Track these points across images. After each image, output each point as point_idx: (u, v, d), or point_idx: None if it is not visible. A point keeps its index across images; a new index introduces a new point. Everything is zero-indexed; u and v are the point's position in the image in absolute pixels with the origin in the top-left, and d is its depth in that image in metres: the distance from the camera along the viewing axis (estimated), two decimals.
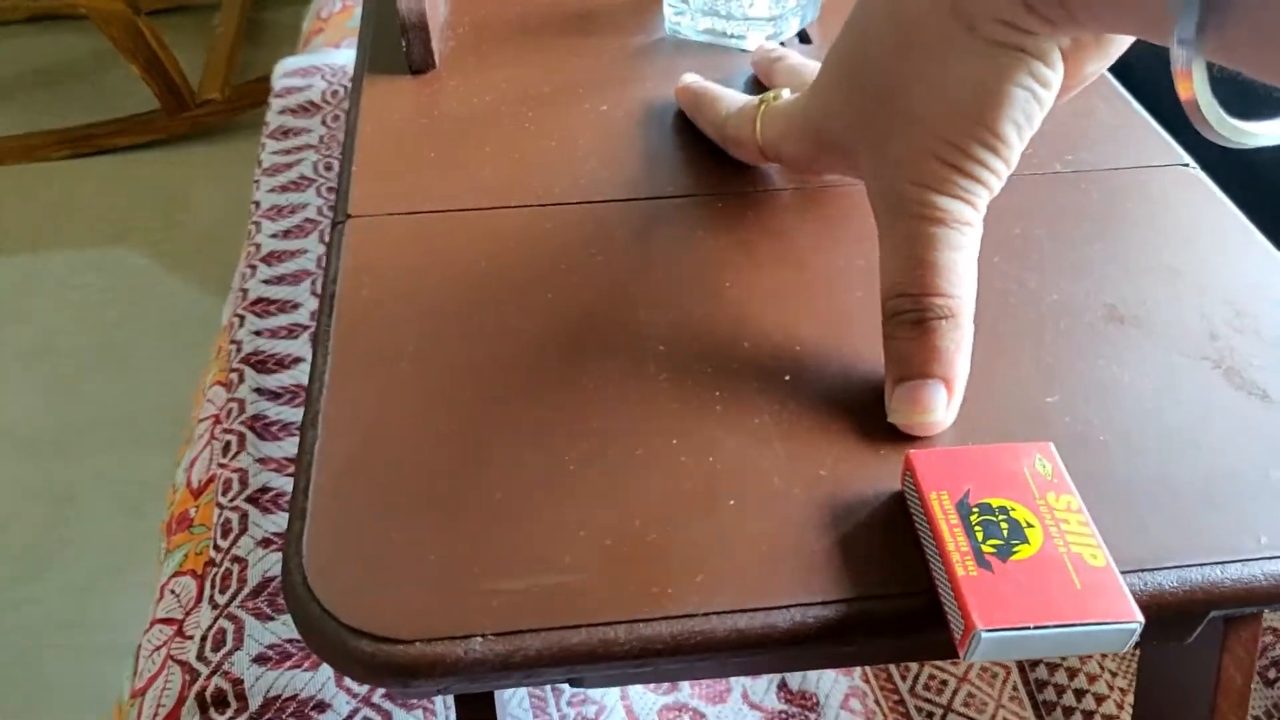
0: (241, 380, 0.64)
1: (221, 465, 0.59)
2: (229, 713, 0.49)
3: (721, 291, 0.35)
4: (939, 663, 0.48)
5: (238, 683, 0.50)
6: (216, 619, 0.53)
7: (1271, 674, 0.46)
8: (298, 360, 0.65)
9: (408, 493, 0.28)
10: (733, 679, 0.47)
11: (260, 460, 0.59)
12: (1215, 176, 0.41)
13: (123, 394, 1.23)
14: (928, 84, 0.29)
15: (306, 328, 0.67)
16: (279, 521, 0.56)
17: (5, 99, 1.72)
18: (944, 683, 0.47)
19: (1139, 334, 0.33)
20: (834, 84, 0.33)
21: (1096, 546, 0.25)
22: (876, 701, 0.47)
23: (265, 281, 0.71)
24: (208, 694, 0.50)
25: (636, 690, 0.46)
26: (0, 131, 1.60)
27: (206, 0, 1.91)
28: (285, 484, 0.58)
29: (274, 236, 0.75)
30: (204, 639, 0.52)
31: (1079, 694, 0.47)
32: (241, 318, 0.69)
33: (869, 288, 0.34)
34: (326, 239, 0.74)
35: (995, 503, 0.26)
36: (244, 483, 0.58)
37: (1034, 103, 0.29)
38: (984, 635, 0.24)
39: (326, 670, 0.51)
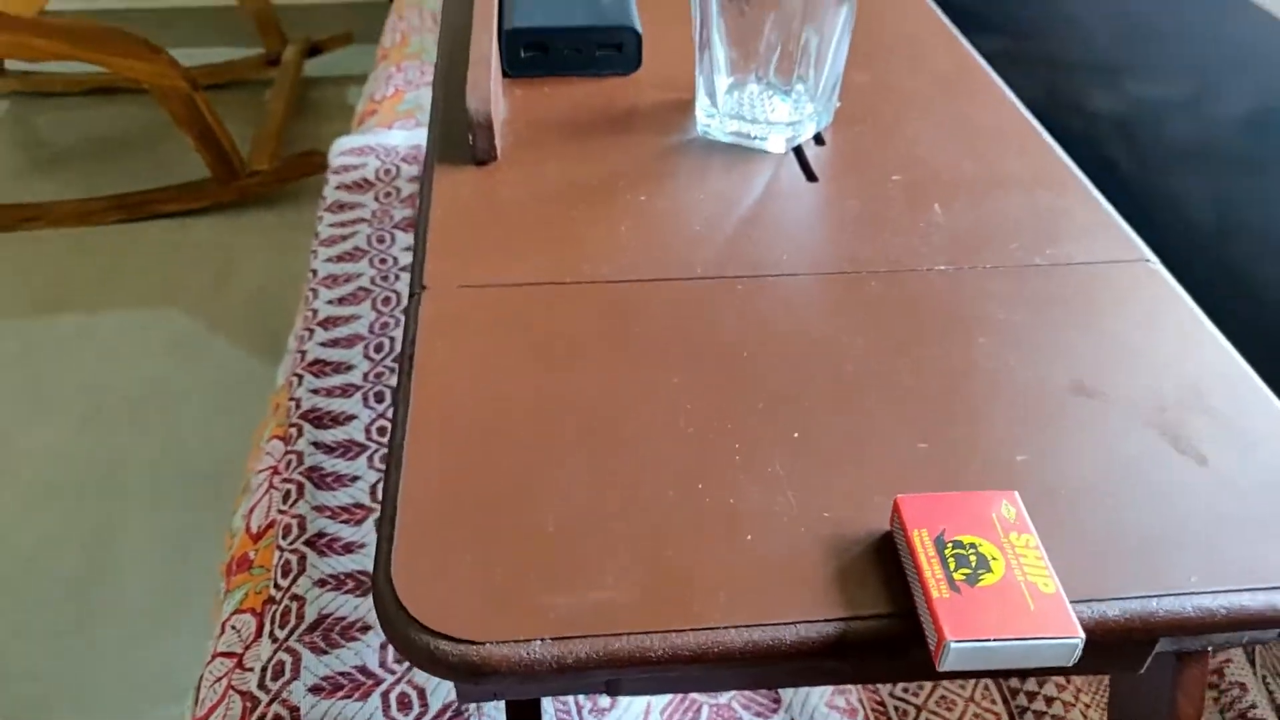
0: (300, 434, 0.70)
1: (281, 512, 0.65)
2: None
3: (741, 359, 0.40)
4: None
5: (295, 710, 0.55)
6: (276, 652, 0.58)
7: None
8: (352, 417, 0.71)
9: (477, 522, 0.34)
10: None
11: (317, 508, 0.64)
12: (1175, 269, 0.47)
13: (168, 447, 1.29)
14: None
15: (359, 387, 0.73)
16: (334, 564, 0.61)
17: (65, 166, 1.82)
18: (920, 685, 0.53)
19: (1100, 405, 0.39)
20: None
21: (1049, 577, 0.31)
22: (860, 700, 0.52)
23: (322, 344, 0.77)
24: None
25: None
26: (60, 196, 1.69)
27: (259, 77, 2.02)
28: (340, 530, 0.63)
29: (330, 303, 0.81)
30: (264, 670, 0.58)
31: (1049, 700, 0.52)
32: (300, 377, 0.75)
33: (864, 360, 0.40)
34: (378, 306, 0.80)
35: (966, 539, 0.32)
36: (302, 528, 0.63)
37: None
38: (953, 646, 0.29)
39: (376, 700, 0.56)
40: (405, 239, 0.87)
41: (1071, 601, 0.32)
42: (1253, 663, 0.56)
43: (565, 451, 0.36)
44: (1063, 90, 0.95)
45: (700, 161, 0.53)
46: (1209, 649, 0.38)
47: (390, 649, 0.57)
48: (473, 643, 0.30)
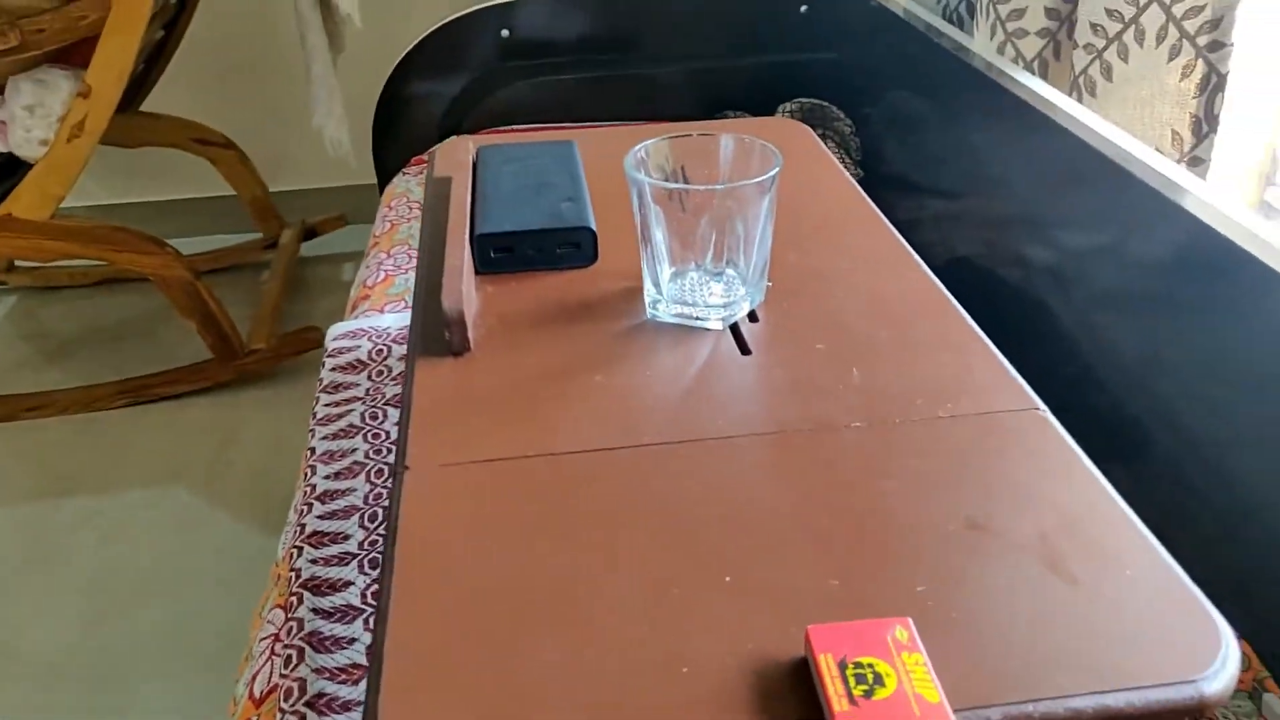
0: (300, 603, 0.75)
1: (283, 676, 0.70)
2: None
3: (681, 514, 0.47)
4: None
5: None
6: None
7: None
8: (349, 583, 0.76)
9: (454, 674, 0.39)
10: None
11: (316, 670, 0.69)
12: (1067, 404, 0.54)
13: (171, 623, 1.33)
14: None
15: (355, 555, 0.79)
16: None
17: (71, 355, 1.91)
18: None
19: (989, 538, 0.45)
20: None
21: (934, 689, 0.37)
22: None
23: (319, 517, 0.83)
24: None
25: None
26: (65, 385, 1.78)
27: (257, 260, 2.13)
28: (339, 690, 0.68)
29: (326, 478, 0.88)
30: None
31: None
32: (299, 549, 0.81)
33: (787, 509, 0.47)
34: (372, 478, 0.87)
35: (865, 660, 0.38)
36: (303, 690, 0.68)
37: None
38: None
39: None
40: (396, 414, 0.94)
41: (960, 709, 0.37)
42: None
43: (531, 608, 0.42)
44: (1001, 245, 1.05)
45: (649, 342, 0.60)
46: None
47: None
48: None
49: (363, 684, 0.68)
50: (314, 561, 0.78)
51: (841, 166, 0.82)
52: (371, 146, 1.64)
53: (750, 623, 0.41)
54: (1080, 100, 0.98)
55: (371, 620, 0.73)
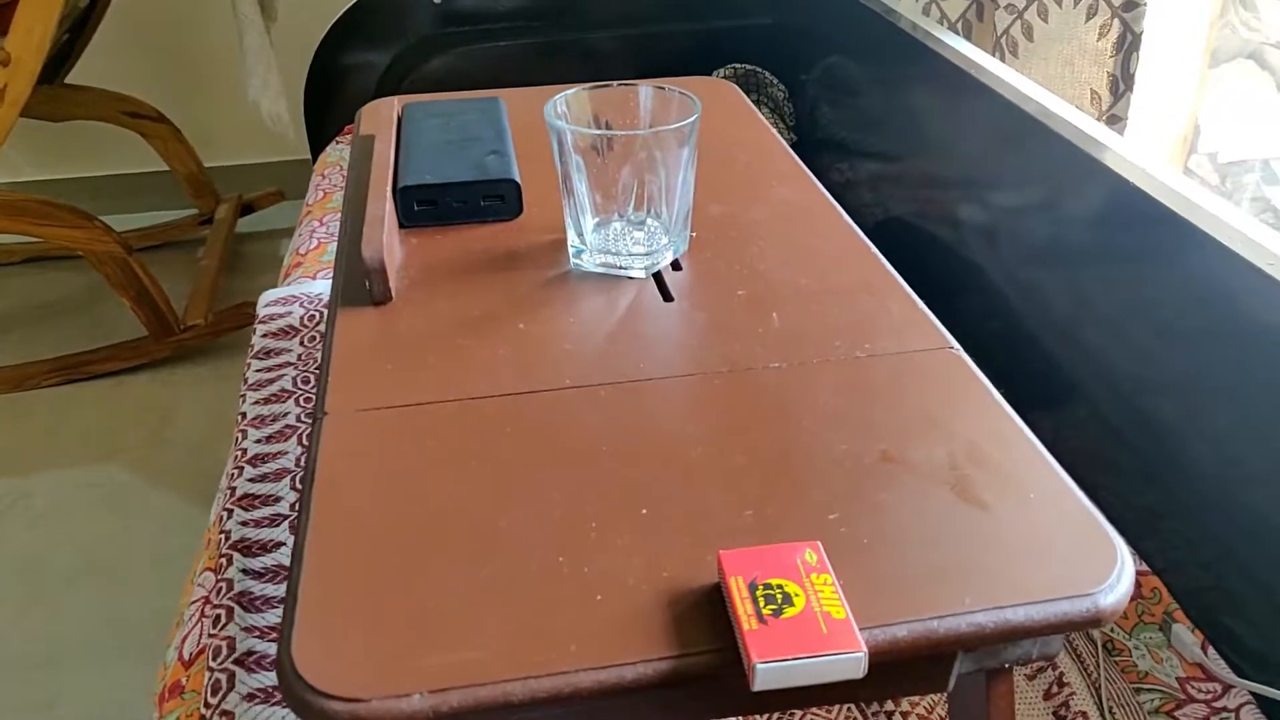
0: (230, 564, 0.75)
1: (212, 636, 0.70)
2: None
3: (601, 453, 0.47)
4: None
5: None
6: None
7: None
8: (280, 544, 0.76)
9: (366, 604, 0.40)
10: None
11: (246, 629, 0.69)
12: (997, 353, 0.55)
13: (107, 606, 1.31)
14: None
15: (286, 516, 0.79)
16: (263, 679, 0.65)
17: (3, 333, 1.87)
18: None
19: (901, 469, 0.46)
20: None
21: (841, 607, 0.37)
22: None
23: (250, 480, 0.83)
24: None
25: None
26: None
27: (193, 236, 2.10)
28: (269, 648, 0.68)
29: (258, 442, 0.87)
30: None
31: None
32: (230, 511, 0.80)
33: (705, 447, 0.47)
34: (304, 441, 0.86)
35: (774, 582, 0.38)
36: (231, 648, 0.68)
37: None
38: (759, 666, 0.35)
39: None
40: None
41: (866, 626, 0.38)
42: (1098, 692, 0.62)
43: (446, 542, 0.43)
44: (933, 203, 1.06)
45: (572, 290, 0.61)
46: (1007, 665, 0.44)
47: None
48: (359, 700, 0.36)
49: None
50: (244, 523, 0.78)
51: (766, 122, 0.83)
52: (304, 118, 1.62)
53: (665, 552, 0.42)
54: (1003, 60, 1.00)
55: None
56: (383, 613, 0.39)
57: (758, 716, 0.59)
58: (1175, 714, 0.62)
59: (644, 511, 0.44)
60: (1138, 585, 0.70)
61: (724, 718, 0.44)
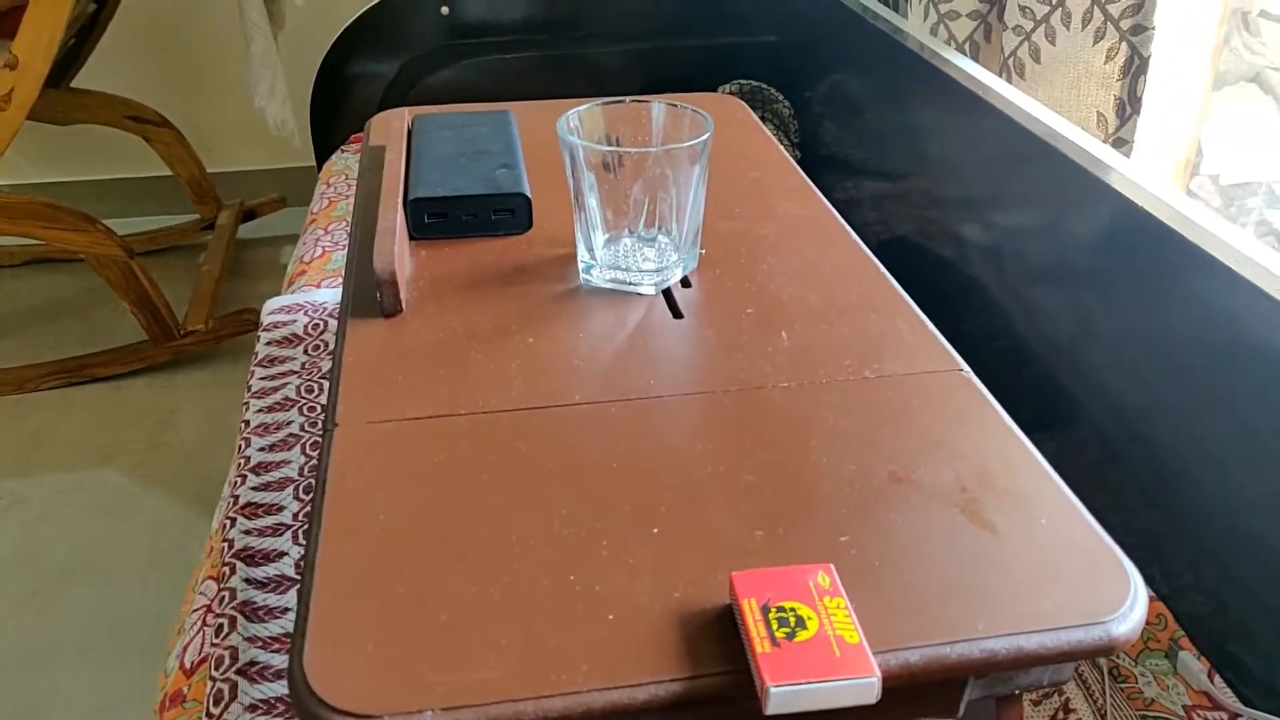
0: (233, 573, 0.74)
1: (214, 645, 0.69)
2: None
3: (611, 470, 0.47)
4: None
5: None
6: None
7: None
8: (283, 554, 0.76)
9: (378, 618, 0.39)
10: None
11: (249, 639, 0.69)
12: (1000, 375, 0.55)
13: (101, 608, 1.30)
14: None
15: (290, 526, 0.78)
16: (266, 690, 0.65)
17: (3, 336, 1.86)
18: None
19: (910, 490, 0.46)
20: None
21: (854, 630, 0.37)
22: None
23: (253, 488, 0.83)
24: None
25: None
26: None
27: (194, 241, 2.10)
28: (272, 658, 0.67)
29: (261, 450, 0.87)
30: None
31: None
32: (232, 520, 0.80)
33: (714, 465, 0.47)
34: (307, 451, 0.86)
35: (787, 604, 0.38)
36: (234, 658, 0.67)
37: None
38: (773, 690, 0.35)
39: None
40: None
41: (879, 650, 0.38)
42: (1104, 719, 0.62)
43: (457, 556, 0.42)
44: (936, 223, 1.07)
45: (582, 306, 0.61)
46: (1017, 692, 0.44)
47: None
48: (370, 716, 0.36)
49: None
50: (247, 532, 0.78)
51: (774, 139, 0.83)
52: (310, 126, 1.62)
53: (676, 571, 0.42)
54: (1010, 82, 1.00)
55: None
56: (394, 627, 0.39)
57: None
58: None
59: (655, 530, 0.44)
60: None
61: None
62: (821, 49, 1.37)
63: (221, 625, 0.70)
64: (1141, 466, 0.76)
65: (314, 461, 0.85)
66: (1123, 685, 0.65)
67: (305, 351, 0.99)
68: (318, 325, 1.02)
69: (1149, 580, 0.73)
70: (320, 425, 0.89)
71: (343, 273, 1.14)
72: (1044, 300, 0.88)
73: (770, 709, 0.36)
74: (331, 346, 0.99)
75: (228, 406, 1.65)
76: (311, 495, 0.80)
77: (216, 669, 0.67)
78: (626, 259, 0.62)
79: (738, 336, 0.57)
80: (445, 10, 1.47)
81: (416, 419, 0.51)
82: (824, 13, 1.34)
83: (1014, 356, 0.91)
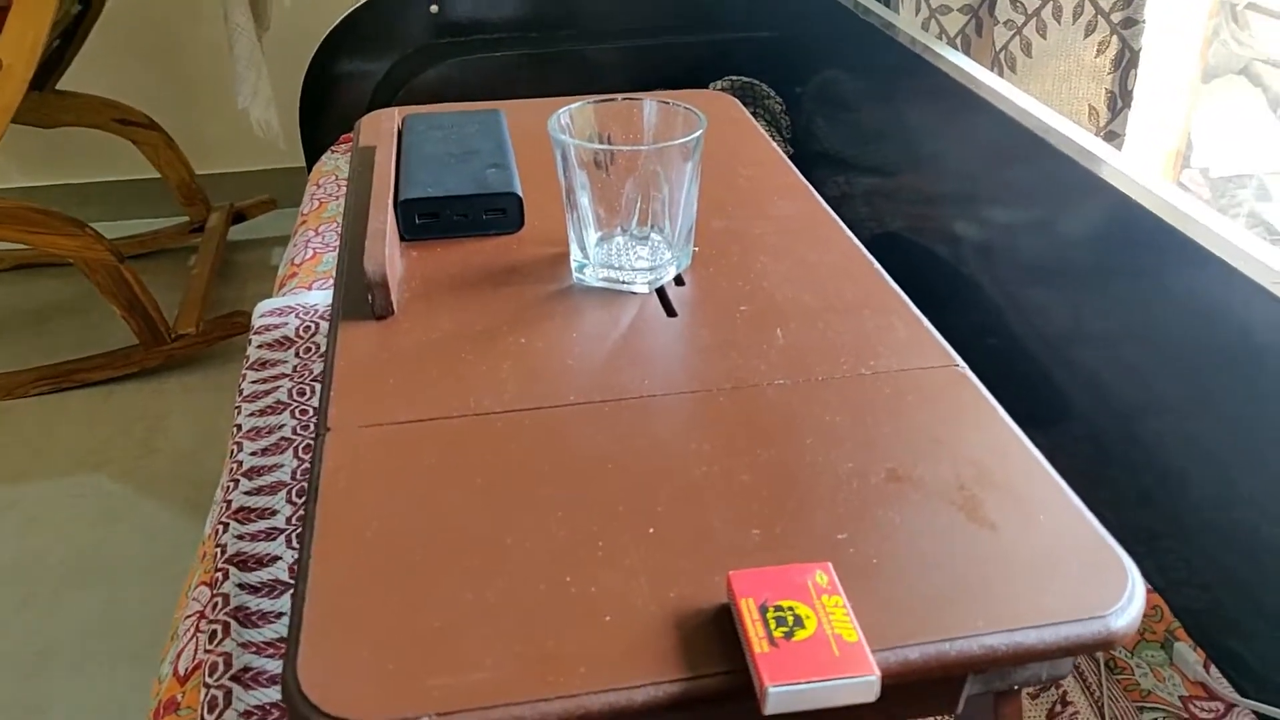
0: (226, 578, 0.74)
1: (208, 651, 0.69)
2: None
3: (606, 470, 0.47)
4: None
5: None
6: None
7: None
8: (276, 558, 0.75)
9: (373, 622, 0.39)
10: None
11: (243, 644, 0.68)
12: (993, 371, 0.55)
13: (96, 612, 1.29)
14: None
15: (283, 530, 0.78)
16: (260, 695, 0.65)
17: None
18: None
19: (909, 488, 0.46)
20: None
21: (853, 629, 0.37)
22: None
23: (246, 493, 0.82)
24: None
25: None
26: None
27: (184, 244, 2.09)
28: (266, 664, 0.67)
29: (253, 454, 0.86)
30: None
31: None
32: (225, 525, 0.79)
33: (709, 464, 0.47)
34: (300, 454, 0.85)
35: (785, 604, 0.38)
36: (228, 664, 0.67)
37: None
38: (771, 690, 0.35)
39: None
40: None
41: (878, 649, 0.38)
42: (1101, 711, 0.62)
43: (451, 559, 0.42)
44: (928, 218, 1.07)
45: (574, 305, 0.60)
46: (1016, 687, 0.44)
47: None
48: None
49: None
50: (240, 537, 0.77)
51: (768, 136, 0.83)
52: (300, 126, 1.61)
53: (673, 572, 0.41)
54: (1001, 76, 1.00)
55: None
56: (389, 631, 0.39)
57: None
58: None
59: (651, 530, 0.44)
60: None
61: None
62: (813, 44, 1.36)
63: (215, 631, 0.69)
64: (1136, 461, 0.76)
65: (307, 465, 0.85)
66: (1119, 677, 0.65)
67: (297, 354, 0.98)
68: (309, 328, 1.02)
69: (1145, 574, 0.73)
70: (313, 428, 0.89)
71: (333, 274, 1.14)
72: (1035, 296, 0.88)
73: (769, 709, 0.36)
74: (323, 349, 0.99)
75: (219, 410, 1.64)
76: (304, 499, 0.80)
77: (210, 675, 0.66)
78: (619, 257, 0.62)
79: (732, 334, 0.57)
80: (434, 9, 1.46)
81: (409, 422, 0.50)
82: (815, 8, 1.33)
83: (1006, 352, 0.91)
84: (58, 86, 1.91)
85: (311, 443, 0.87)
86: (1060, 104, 0.95)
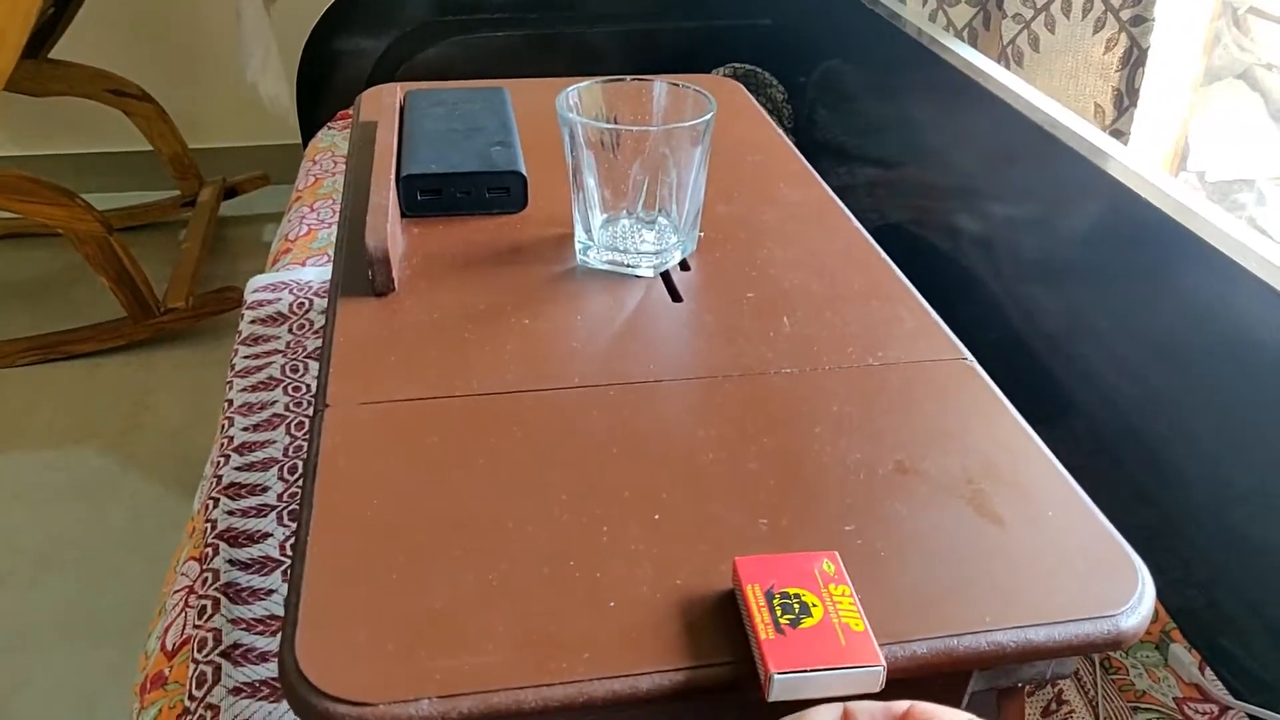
0: (216, 554, 0.73)
1: (197, 627, 0.68)
2: None
3: (610, 455, 0.46)
4: None
5: None
6: None
7: None
8: (267, 535, 0.74)
9: (372, 603, 0.38)
10: None
11: (233, 621, 0.67)
12: (993, 367, 0.54)
13: (80, 590, 1.28)
14: None
15: (274, 507, 0.77)
16: (250, 672, 0.64)
17: None
18: None
19: (916, 480, 0.46)
20: None
21: (860, 618, 0.37)
22: None
23: (237, 469, 0.81)
24: None
25: None
26: None
27: (175, 218, 2.07)
28: (255, 640, 0.66)
29: (245, 430, 0.85)
30: None
31: None
32: (215, 500, 0.78)
33: (716, 451, 0.46)
34: (292, 431, 0.85)
35: (791, 591, 0.37)
36: (218, 640, 0.66)
37: None
38: (777, 677, 0.34)
39: None
40: (318, 367, 0.92)
41: (885, 642, 0.37)
42: (1096, 711, 0.62)
43: (453, 542, 0.41)
44: (930, 211, 1.06)
45: (579, 287, 0.60)
46: (1020, 685, 0.44)
47: None
48: (366, 704, 0.35)
49: (280, 635, 0.66)
50: (231, 513, 0.76)
51: (773, 123, 0.82)
52: (296, 102, 1.59)
53: (678, 559, 0.41)
54: (1008, 70, 0.99)
55: (290, 571, 0.71)
56: (389, 613, 0.38)
57: None
58: None
59: (656, 517, 0.43)
60: None
61: None
62: (817, 33, 1.36)
63: (204, 607, 0.68)
64: (1135, 459, 0.76)
65: (299, 442, 0.84)
66: (1114, 676, 0.65)
67: (290, 330, 0.97)
68: (303, 304, 1.01)
69: None
70: (305, 405, 0.88)
71: (328, 251, 1.12)
72: (1038, 292, 0.88)
73: (773, 696, 0.35)
74: (317, 325, 0.98)
75: (207, 386, 1.63)
76: (296, 476, 0.79)
77: (199, 651, 0.65)
78: (624, 240, 0.61)
79: (739, 321, 0.56)
80: None
81: (410, 400, 0.49)
82: None
83: (1008, 347, 0.91)
84: (50, 55, 1.89)
85: (304, 420, 0.86)
86: (1066, 101, 0.95)
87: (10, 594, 1.27)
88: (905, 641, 0.38)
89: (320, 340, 0.96)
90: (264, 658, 0.64)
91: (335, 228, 1.18)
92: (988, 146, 0.94)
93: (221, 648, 0.65)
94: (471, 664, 0.36)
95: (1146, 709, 0.63)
